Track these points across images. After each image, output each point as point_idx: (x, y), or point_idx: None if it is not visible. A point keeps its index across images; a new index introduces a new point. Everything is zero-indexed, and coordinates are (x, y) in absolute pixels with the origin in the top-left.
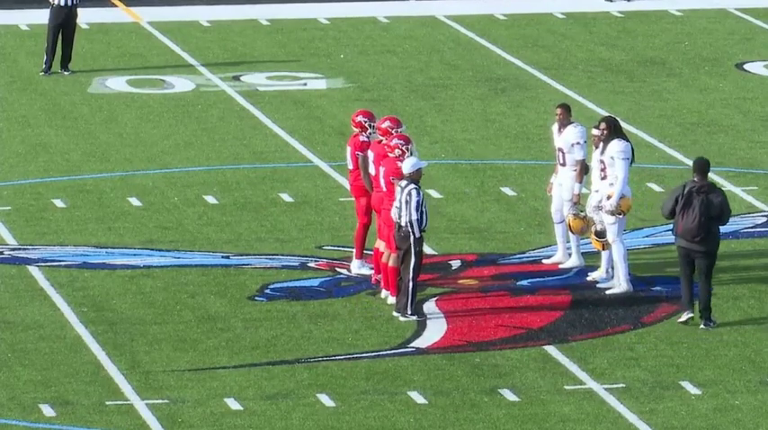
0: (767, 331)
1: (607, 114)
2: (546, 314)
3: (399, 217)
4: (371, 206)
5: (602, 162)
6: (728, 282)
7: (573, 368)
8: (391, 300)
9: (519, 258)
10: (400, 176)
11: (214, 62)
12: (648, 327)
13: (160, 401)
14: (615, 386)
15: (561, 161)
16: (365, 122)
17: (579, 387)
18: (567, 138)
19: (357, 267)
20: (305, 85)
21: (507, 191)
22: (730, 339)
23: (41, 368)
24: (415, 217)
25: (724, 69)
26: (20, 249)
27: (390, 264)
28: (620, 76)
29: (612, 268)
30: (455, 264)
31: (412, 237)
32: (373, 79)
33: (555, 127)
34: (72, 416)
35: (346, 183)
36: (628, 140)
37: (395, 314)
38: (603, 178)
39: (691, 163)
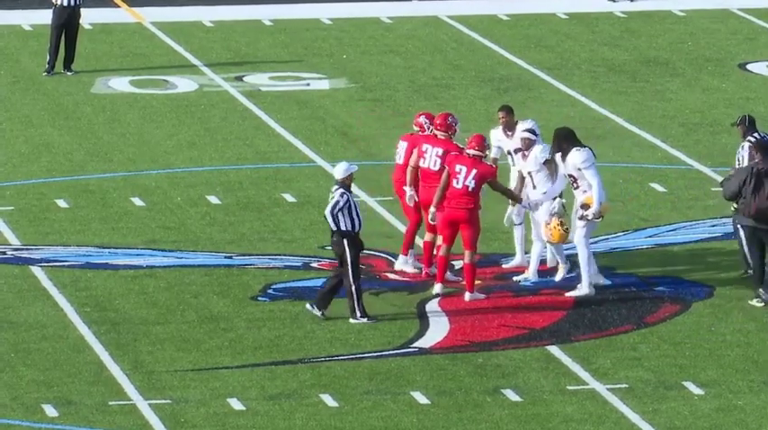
0: None
1: (561, 126)
2: (549, 314)
3: (327, 219)
4: (420, 201)
5: (570, 176)
6: (731, 282)
7: (576, 368)
8: (438, 288)
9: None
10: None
11: (217, 62)
12: (651, 328)
13: (163, 401)
14: (618, 386)
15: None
16: (426, 124)
17: (582, 387)
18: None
19: (401, 263)
20: (308, 85)
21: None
22: (733, 339)
23: (44, 368)
24: (327, 211)
25: (727, 69)
26: (23, 249)
27: (441, 253)
28: (623, 76)
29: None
30: (458, 264)
31: (344, 240)
32: (376, 79)
33: (499, 131)
34: (75, 417)
35: None
36: (585, 146)
37: (351, 320)
38: (576, 188)
39: (693, 163)
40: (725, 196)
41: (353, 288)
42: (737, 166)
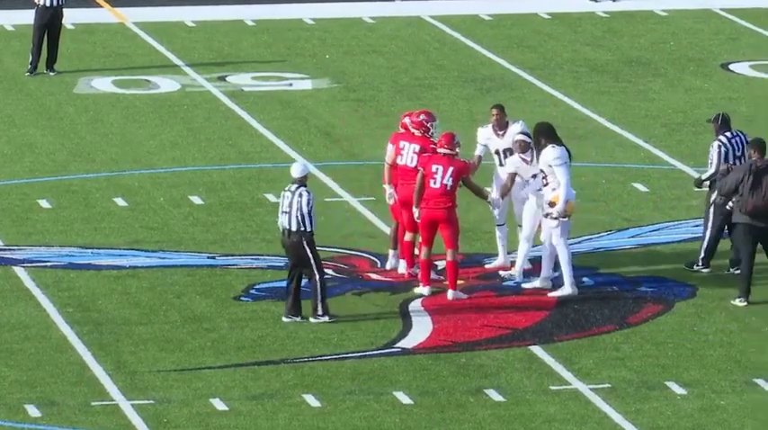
0: (753, 331)
1: (542, 121)
2: (531, 314)
3: (289, 222)
4: (401, 199)
5: (542, 171)
6: (713, 282)
7: (558, 368)
8: (419, 290)
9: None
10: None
11: (199, 62)
12: (634, 328)
13: (146, 402)
14: (601, 386)
15: (502, 163)
16: (426, 122)
17: (565, 387)
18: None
19: (398, 264)
20: (290, 85)
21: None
22: (716, 339)
23: (27, 368)
24: (306, 210)
25: (709, 69)
26: (5, 250)
27: (422, 257)
28: (605, 76)
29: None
30: (441, 264)
31: (305, 240)
32: (359, 79)
33: (488, 129)
34: (57, 417)
35: (332, 183)
36: (562, 145)
37: (311, 319)
38: (545, 185)
39: (676, 163)
40: (721, 193)
41: (320, 286)
42: (711, 164)
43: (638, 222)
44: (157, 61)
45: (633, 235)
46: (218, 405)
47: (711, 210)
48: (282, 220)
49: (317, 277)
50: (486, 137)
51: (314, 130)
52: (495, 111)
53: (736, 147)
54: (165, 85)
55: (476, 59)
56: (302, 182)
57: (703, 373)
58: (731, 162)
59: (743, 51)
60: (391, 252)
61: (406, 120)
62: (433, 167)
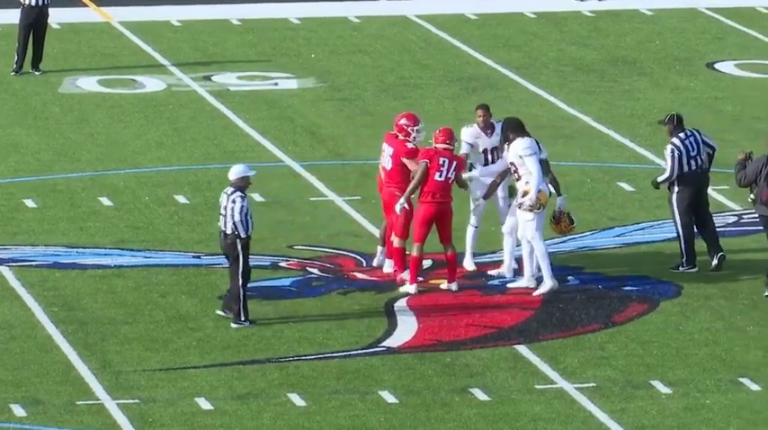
0: (737, 330)
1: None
2: (517, 313)
3: (225, 224)
4: (384, 202)
5: (512, 164)
6: (699, 281)
7: (544, 367)
8: (406, 288)
9: (490, 257)
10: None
11: (185, 62)
12: (619, 327)
13: (131, 401)
14: (586, 385)
15: (489, 162)
16: (406, 126)
17: (550, 386)
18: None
19: (389, 266)
20: (276, 84)
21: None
22: (701, 338)
23: (12, 368)
24: (238, 218)
25: (695, 69)
26: None
27: (414, 253)
28: (591, 75)
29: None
30: (426, 263)
31: (239, 243)
32: (344, 79)
33: (474, 128)
34: (43, 416)
35: (317, 183)
36: (529, 136)
37: (233, 325)
38: (518, 179)
39: (661, 162)
40: (740, 184)
41: (242, 293)
42: (669, 164)
43: (624, 221)
44: (143, 61)
45: (618, 234)
46: (204, 404)
47: (675, 209)
48: (220, 222)
49: (239, 283)
50: (474, 136)
51: (299, 130)
52: (480, 113)
53: (691, 148)
54: (151, 84)
55: (461, 59)
56: (239, 185)
57: (688, 372)
58: (686, 163)
59: (728, 50)
60: (379, 249)
61: (402, 122)
62: (441, 160)
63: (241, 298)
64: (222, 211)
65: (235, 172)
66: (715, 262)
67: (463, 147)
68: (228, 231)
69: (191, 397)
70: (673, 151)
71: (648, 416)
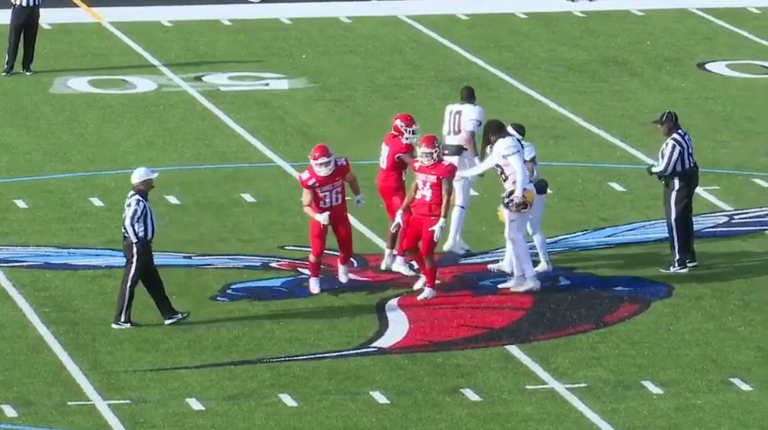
0: (728, 331)
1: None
2: (508, 314)
3: (123, 226)
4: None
5: (497, 166)
6: (690, 281)
7: (535, 368)
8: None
9: (481, 258)
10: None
11: (176, 62)
12: (610, 327)
13: (122, 401)
14: (577, 385)
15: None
16: (401, 126)
17: (541, 386)
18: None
19: (398, 264)
20: (267, 85)
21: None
22: (692, 339)
23: (3, 368)
24: (128, 222)
25: (686, 69)
26: None
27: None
28: (582, 75)
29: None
30: (416, 264)
31: (134, 247)
32: (335, 79)
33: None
34: (34, 417)
35: None
36: (510, 135)
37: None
38: (505, 179)
39: (652, 162)
40: None
41: (128, 295)
42: (662, 160)
43: (615, 222)
44: (134, 61)
45: (609, 234)
46: (195, 405)
47: (672, 208)
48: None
49: (128, 285)
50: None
51: (290, 130)
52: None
53: (689, 146)
54: (142, 84)
55: (452, 59)
56: (139, 189)
57: (679, 373)
58: (686, 160)
59: (719, 51)
60: (387, 251)
61: (398, 122)
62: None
63: (125, 299)
64: (124, 213)
65: (136, 175)
66: (690, 265)
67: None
68: (125, 233)
69: (182, 397)
70: (674, 146)
71: (640, 416)
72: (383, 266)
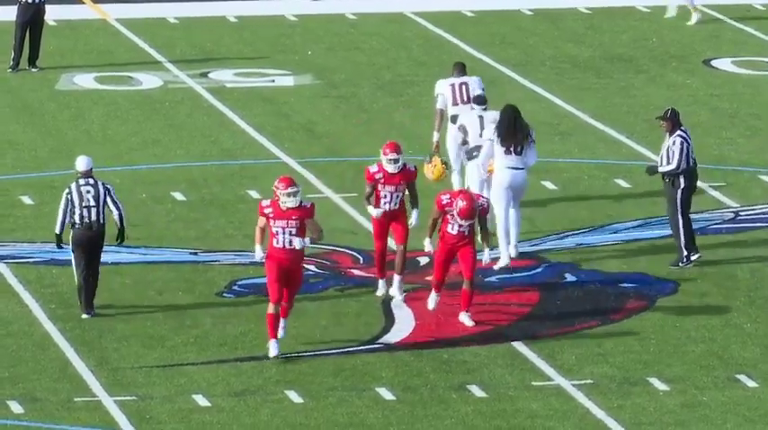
0: (734, 327)
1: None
2: (514, 311)
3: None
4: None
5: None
6: (696, 278)
7: (541, 364)
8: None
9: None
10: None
11: (182, 59)
12: (616, 324)
13: (128, 398)
14: (583, 382)
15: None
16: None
17: (547, 383)
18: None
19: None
20: (273, 81)
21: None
22: (698, 335)
23: (9, 365)
24: (115, 204)
25: (691, 66)
26: None
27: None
28: (587, 72)
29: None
30: (423, 260)
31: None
32: (341, 76)
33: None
34: (40, 413)
35: (314, 180)
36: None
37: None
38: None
39: (658, 159)
40: None
41: (76, 285)
42: (672, 159)
43: (620, 218)
44: (139, 58)
45: (615, 231)
46: (201, 401)
47: (678, 205)
48: None
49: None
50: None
51: (296, 127)
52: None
53: (691, 142)
54: (148, 81)
55: (458, 56)
56: (90, 175)
57: (686, 369)
58: (690, 158)
59: (725, 47)
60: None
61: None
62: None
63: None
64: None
65: (85, 161)
66: (694, 257)
67: (439, 101)
68: (102, 221)
69: (188, 393)
70: (682, 143)
71: (646, 412)
72: (381, 293)
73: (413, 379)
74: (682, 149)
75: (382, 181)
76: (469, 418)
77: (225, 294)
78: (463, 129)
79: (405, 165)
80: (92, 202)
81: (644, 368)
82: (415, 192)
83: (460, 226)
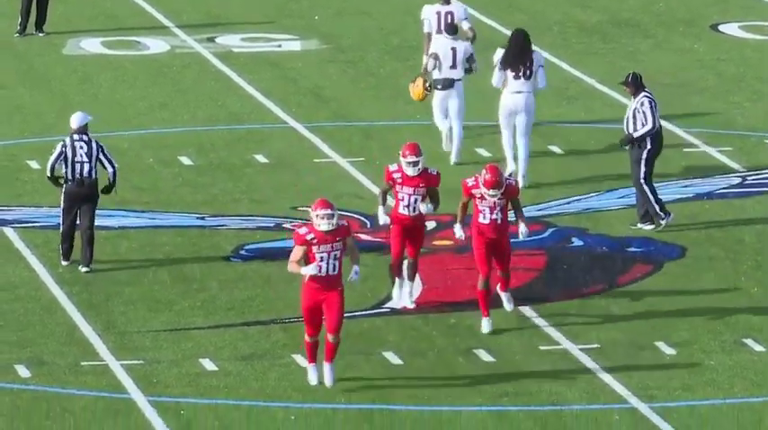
0: (741, 292)
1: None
2: (521, 275)
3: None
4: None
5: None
6: (703, 243)
7: (548, 329)
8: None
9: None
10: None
11: (189, 24)
12: (623, 288)
13: (135, 362)
14: (590, 346)
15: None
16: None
17: (554, 347)
18: None
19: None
20: (279, 46)
21: (482, 151)
22: (705, 300)
23: (17, 329)
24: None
25: (699, 30)
26: None
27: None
28: (594, 37)
29: None
30: (430, 225)
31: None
32: (348, 41)
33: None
34: (47, 377)
35: (321, 144)
36: None
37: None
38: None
39: (665, 124)
40: None
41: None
42: (629, 121)
43: (627, 183)
44: (147, 22)
45: (622, 195)
46: (208, 365)
47: (643, 167)
48: None
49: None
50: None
51: (303, 91)
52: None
53: (657, 103)
54: (155, 46)
55: None
56: (85, 131)
57: (692, 334)
58: (657, 119)
59: (732, 12)
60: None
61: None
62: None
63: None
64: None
65: (80, 118)
66: (667, 220)
67: (425, 25)
68: (94, 176)
69: (195, 358)
70: (650, 102)
71: (653, 377)
72: (397, 300)
73: (420, 343)
74: (651, 108)
75: (400, 181)
76: (477, 383)
77: (232, 259)
78: (435, 57)
79: (426, 169)
80: (84, 158)
81: (651, 332)
82: (437, 197)
83: (492, 211)
